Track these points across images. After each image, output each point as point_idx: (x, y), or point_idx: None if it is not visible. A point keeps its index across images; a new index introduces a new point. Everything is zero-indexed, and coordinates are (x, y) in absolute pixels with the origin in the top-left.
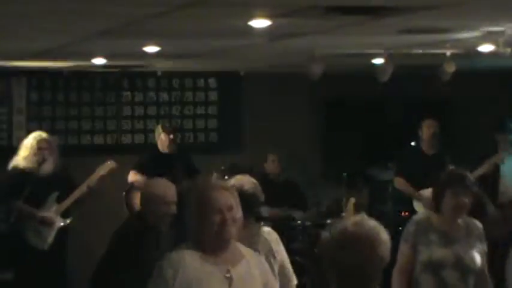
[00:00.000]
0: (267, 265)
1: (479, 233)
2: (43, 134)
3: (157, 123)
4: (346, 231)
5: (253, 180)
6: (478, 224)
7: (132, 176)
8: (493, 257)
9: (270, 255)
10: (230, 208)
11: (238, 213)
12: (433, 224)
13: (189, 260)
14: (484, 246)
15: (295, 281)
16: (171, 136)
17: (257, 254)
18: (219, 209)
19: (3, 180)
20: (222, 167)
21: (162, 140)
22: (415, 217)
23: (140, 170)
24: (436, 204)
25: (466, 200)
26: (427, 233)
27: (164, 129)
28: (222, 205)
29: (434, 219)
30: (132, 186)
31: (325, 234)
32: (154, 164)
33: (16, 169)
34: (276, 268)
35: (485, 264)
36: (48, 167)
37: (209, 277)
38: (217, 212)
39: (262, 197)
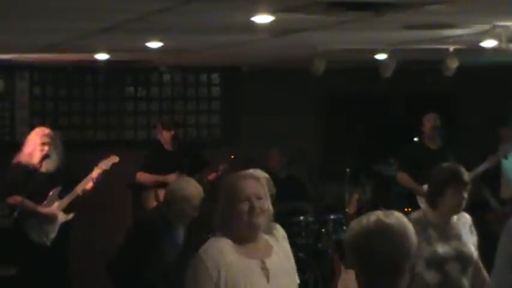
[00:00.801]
0: (289, 249)
1: (470, 224)
2: (47, 130)
3: (160, 119)
4: (379, 221)
5: (265, 174)
6: (468, 216)
7: (141, 176)
8: (495, 252)
9: None
10: (259, 197)
11: (267, 203)
12: (430, 220)
13: (228, 254)
14: (475, 237)
15: (297, 280)
16: (172, 132)
17: (284, 246)
18: (247, 197)
19: (7, 176)
20: (232, 156)
21: (164, 137)
22: (412, 216)
23: (148, 170)
24: (433, 200)
25: (466, 196)
26: (426, 229)
27: (165, 126)
28: (251, 193)
29: (431, 215)
30: (143, 187)
31: (353, 226)
32: (160, 163)
33: (19, 165)
34: None
35: (477, 254)
36: (51, 163)
37: (249, 272)
38: (245, 200)
39: (273, 191)
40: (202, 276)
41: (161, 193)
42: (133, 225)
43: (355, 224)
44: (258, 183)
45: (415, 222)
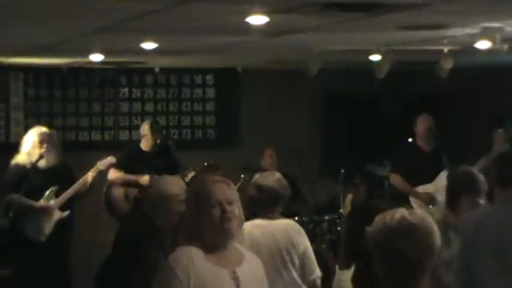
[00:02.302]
0: (262, 266)
1: None
2: (43, 128)
3: (155, 120)
4: (404, 220)
5: (279, 176)
6: None
7: (112, 174)
8: None
9: (290, 246)
10: (230, 202)
11: (238, 208)
12: (450, 222)
13: (197, 262)
14: None
15: (318, 273)
16: (158, 140)
17: (254, 255)
18: (219, 202)
19: (4, 176)
20: (206, 163)
21: (148, 140)
22: (434, 217)
23: (120, 168)
24: (453, 203)
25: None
26: (447, 232)
27: (153, 133)
28: (222, 198)
29: (450, 218)
30: (111, 185)
31: (377, 223)
32: (134, 162)
33: (17, 164)
34: (296, 259)
35: None
36: (48, 161)
37: (219, 280)
38: (217, 205)
39: (285, 192)
40: (173, 285)
41: (132, 192)
42: (119, 240)
43: (379, 221)
44: (228, 187)
45: (438, 224)
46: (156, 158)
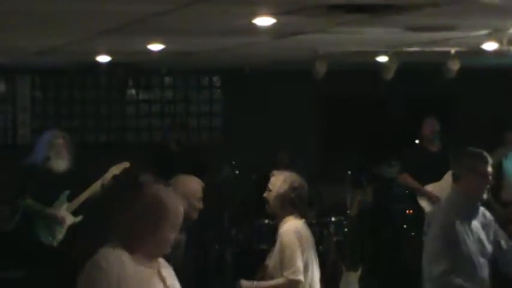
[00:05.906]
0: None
1: None
2: (60, 132)
3: (162, 121)
4: None
5: (278, 179)
6: None
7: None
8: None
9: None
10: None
11: None
12: None
13: (128, 268)
14: None
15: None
16: (179, 138)
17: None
18: (178, 223)
19: (16, 177)
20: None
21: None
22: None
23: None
24: None
25: None
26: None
27: (176, 132)
28: (180, 218)
29: None
30: None
31: None
32: (165, 163)
33: (30, 166)
34: (301, 263)
35: None
36: (63, 165)
37: (148, 279)
38: (176, 225)
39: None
40: (100, 280)
41: None
42: None
43: None
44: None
45: None
46: (181, 158)
